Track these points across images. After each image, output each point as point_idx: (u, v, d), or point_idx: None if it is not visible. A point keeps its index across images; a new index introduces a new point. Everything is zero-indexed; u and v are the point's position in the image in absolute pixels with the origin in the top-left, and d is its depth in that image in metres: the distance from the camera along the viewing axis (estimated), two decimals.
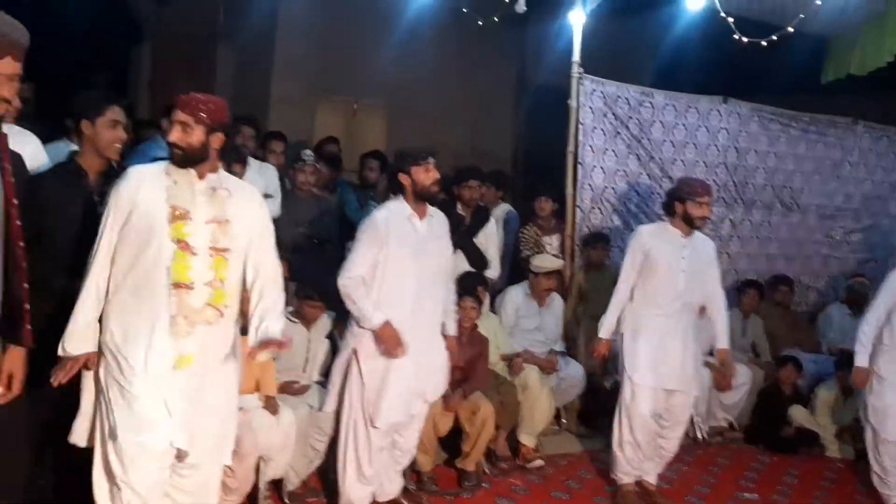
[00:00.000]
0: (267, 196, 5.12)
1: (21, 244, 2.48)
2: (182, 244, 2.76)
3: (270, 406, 3.92)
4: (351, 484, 3.89)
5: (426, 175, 3.80)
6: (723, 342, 4.55)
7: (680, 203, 4.41)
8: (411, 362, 3.82)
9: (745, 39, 5.27)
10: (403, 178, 3.81)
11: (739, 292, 6.41)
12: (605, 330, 4.57)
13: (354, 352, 3.85)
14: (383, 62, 8.00)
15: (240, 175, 4.39)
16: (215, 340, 2.86)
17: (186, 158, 2.80)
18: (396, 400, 3.81)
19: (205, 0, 8.48)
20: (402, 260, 3.78)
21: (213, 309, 2.81)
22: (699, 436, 5.68)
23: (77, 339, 2.76)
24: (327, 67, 8.27)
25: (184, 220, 2.77)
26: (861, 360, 4.63)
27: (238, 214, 2.88)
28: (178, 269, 2.75)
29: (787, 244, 7.13)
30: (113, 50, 9.54)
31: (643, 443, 4.45)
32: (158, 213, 2.76)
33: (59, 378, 2.73)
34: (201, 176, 2.84)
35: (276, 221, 5.34)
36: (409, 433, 4.02)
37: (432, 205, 3.95)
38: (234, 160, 4.47)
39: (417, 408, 3.96)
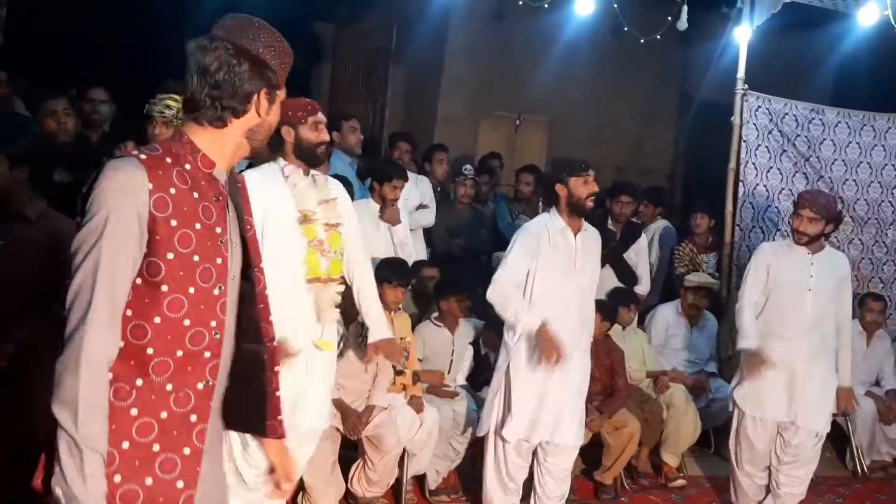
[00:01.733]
0: (422, 206, 5.46)
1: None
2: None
3: (415, 404, 4.14)
4: (494, 491, 3.94)
5: (584, 187, 3.73)
6: (843, 379, 4.21)
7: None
8: (567, 379, 3.78)
9: None
10: (560, 188, 3.77)
11: None
12: (748, 341, 4.17)
13: (507, 370, 3.82)
14: (545, 79, 8.13)
15: (399, 191, 4.72)
16: None
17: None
18: (544, 420, 3.80)
19: (380, 24, 8.96)
20: (552, 274, 3.74)
21: None
22: (859, 469, 5.38)
23: None
24: (491, 85, 8.51)
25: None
26: None
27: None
28: None
29: None
30: (296, 69, 10.31)
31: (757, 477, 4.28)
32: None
33: None
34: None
35: (432, 230, 5.69)
36: (557, 459, 3.92)
37: (586, 220, 3.90)
38: (396, 175, 4.79)
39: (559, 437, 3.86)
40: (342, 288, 3.37)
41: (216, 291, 1.68)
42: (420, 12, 7.96)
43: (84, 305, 1.53)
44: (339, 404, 3.85)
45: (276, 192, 3.21)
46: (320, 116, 3.33)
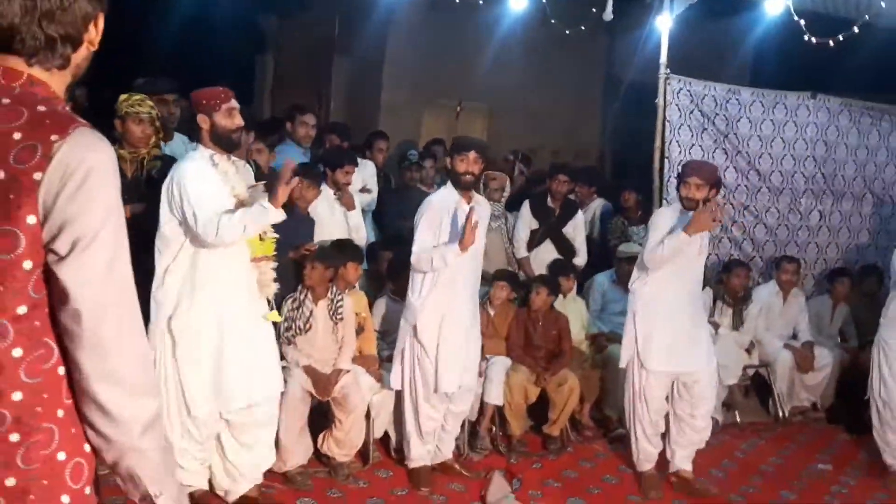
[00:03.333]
0: (365, 190, 5.81)
1: None
2: None
3: (373, 371, 4.55)
4: (415, 444, 4.43)
5: (461, 164, 4.23)
6: None
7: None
8: (462, 337, 4.31)
9: (814, 40, 5.51)
10: (450, 165, 4.35)
11: (830, 280, 6.61)
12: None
13: (413, 328, 4.31)
14: (484, 68, 8.54)
15: (350, 176, 5.09)
16: None
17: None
18: (451, 371, 4.30)
19: (322, 14, 9.24)
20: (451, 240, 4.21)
21: None
22: (780, 414, 5.95)
23: None
24: (433, 75, 8.89)
25: None
26: None
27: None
28: None
29: (879, 235, 7.23)
30: (238, 59, 10.50)
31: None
32: None
33: None
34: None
35: (380, 214, 6.04)
36: (460, 402, 4.50)
37: (468, 190, 4.31)
38: (346, 161, 5.16)
39: (467, 380, 4.43)
40: (275, 265, 3.76)
41: None
42: (362, 4, 8.27)
43: None
44: (309, 370, 4.22)
45: (211, 181, 3.51)
46: (234, 103, 3.55)
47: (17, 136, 1.29)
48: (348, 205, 5.12)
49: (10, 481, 1.30)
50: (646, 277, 4.52)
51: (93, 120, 1.42)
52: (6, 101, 1.33)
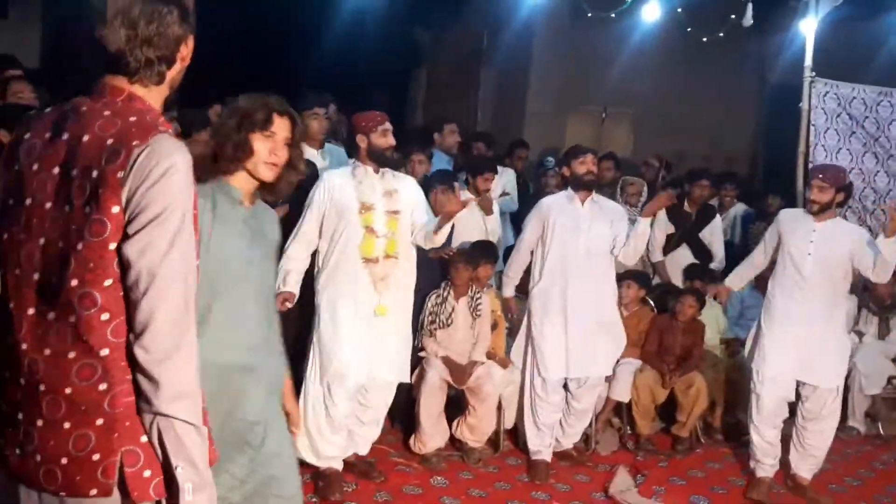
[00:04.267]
0: (505, 194, 6.11)
1: None
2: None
3: (502, 362, 4.86)
4: (532, 435, 4.70)
5: (581, 167, 4.57)
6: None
7: None
8: (578, 332, 4.58)
9: None
10: (565, 170, 4.69)
11: None
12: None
13: (528, 316, 4.73)
14: (627, 74, 8.67)
15: (489, 182, 5.45)
16: None
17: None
18: (553, 359, 4.61)
19: (471, 28, 9.67)
20: (563, 236, 4.57)
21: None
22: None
23: None
24: (577, 82, 9.09)
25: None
26: None
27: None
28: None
29: None
30: (395, 71, 11.12)
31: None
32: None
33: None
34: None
35: (518, 218, 6.32)
36: (583, 398, 4.75)
37: (589, 190, 4.64)
38: (486, 169, 5.50)
39: (591, 373, 4.70)
40: (399, 263, 4.10)
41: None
42: (507, 18, 8.61)
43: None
44: (447, 361, 4.60)
45: (342, 186, 4.03)
46: (387, 125, 4.04)
47: (109, 142, 1.58)
48: (486, 209, 5.45)
49: (99, 421, 1.57)
50: (773, 281, 4.54)
51: None
52: (107, 113, 1.63)
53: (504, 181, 6.12)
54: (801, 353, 4.37)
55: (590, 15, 5.86)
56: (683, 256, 6.18)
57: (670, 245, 6.19)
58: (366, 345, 4.01)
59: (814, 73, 6.26)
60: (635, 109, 9.42)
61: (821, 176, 4.39)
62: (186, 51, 1.74)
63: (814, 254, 4.36)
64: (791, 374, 4.44)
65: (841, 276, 4.40)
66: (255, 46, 9.38)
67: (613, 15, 5.99)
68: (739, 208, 7.10)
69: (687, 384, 5.14)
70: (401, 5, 9.35)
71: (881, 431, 5.71)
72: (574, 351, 4.58)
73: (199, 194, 1.69)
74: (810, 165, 6.29)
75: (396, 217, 4.07)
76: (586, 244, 4.55)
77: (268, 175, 2.44)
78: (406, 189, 4.18)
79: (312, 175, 4.23)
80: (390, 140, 4.05)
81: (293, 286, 3.99)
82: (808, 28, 6.23)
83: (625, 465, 4.68)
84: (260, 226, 2.48)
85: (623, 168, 7.02)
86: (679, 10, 5.93)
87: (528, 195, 6.55)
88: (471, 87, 9.88)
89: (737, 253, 6.66)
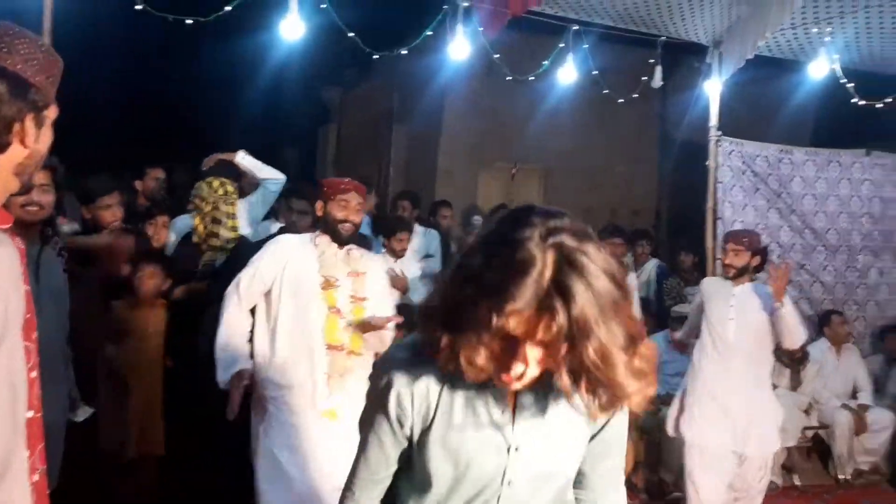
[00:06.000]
0: (429, 256, 6.03)
1: None
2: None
3: None
4: None
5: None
6: None
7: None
8: None
9: (861, 102, 5.59)
10: None
11: (882, 337, 6.54)
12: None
13: None
14: (538, 131, 8.82)
15: (405, 243, 5.29)
16: None
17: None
18: None
19: (382, 87, 9.67)
20: None
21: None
22: (840, 477, 5.87)
23: None
24: (488, 139, 9.19)
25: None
26: None
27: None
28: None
29: None
30: (304, 130, 11.04)
31: None
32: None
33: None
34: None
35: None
36: None
37: None
38: (400, 229, 5.38)
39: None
40: (364, 363, 3.35)
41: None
42: (418, 77, 8.65)
43: None
44: None
45: (302, 257, 3.40)
46: (350, 196, 3.39)
47: None
48: (401, 288, 5.27)
49: None
50: (697, 350, 4.50)
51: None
52: None
53: (427, 242, 6.03)
54: (736, 424, 4.26)
55: (509, 79, 5.89)
56: None
57: None
58: (325, 458, 3.25)
59: (720, 133, 6.47)
60: (545, 165, 9.57)
61: (734, 240, 4.36)
62: (25, 132, 1.40)
63: (735, 318, 4.30)
64: (726, 447, 4.30)
65: (764, 338, 4.32)
66: (163, 109, 9.16)
67: (532, 78, 6.04)
68: (653, 264, 7.22)
69: None
70: (310, 64, 9.28)
71: (796, 483, 5.80)
72: None
73: None
74: (718, 222, 6.51)
75: (363, 305, 3.43)
76: None
77: None
78: (374, 273, 3.56)
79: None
80: (350, 214, 3.40)
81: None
82: (712, 89, 6.45)
83: None
84: None
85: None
86: (595, 72, 6.02)
87: (452, 255, 6.50)
88: (382, 145, 9.86)
89: (653, 310, 6.77)
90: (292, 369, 3.33)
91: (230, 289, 3.41)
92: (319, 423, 3.31)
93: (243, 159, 4.87)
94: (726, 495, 4.33)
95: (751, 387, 4.29)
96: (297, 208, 4.69)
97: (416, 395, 1.50)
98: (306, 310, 3.34)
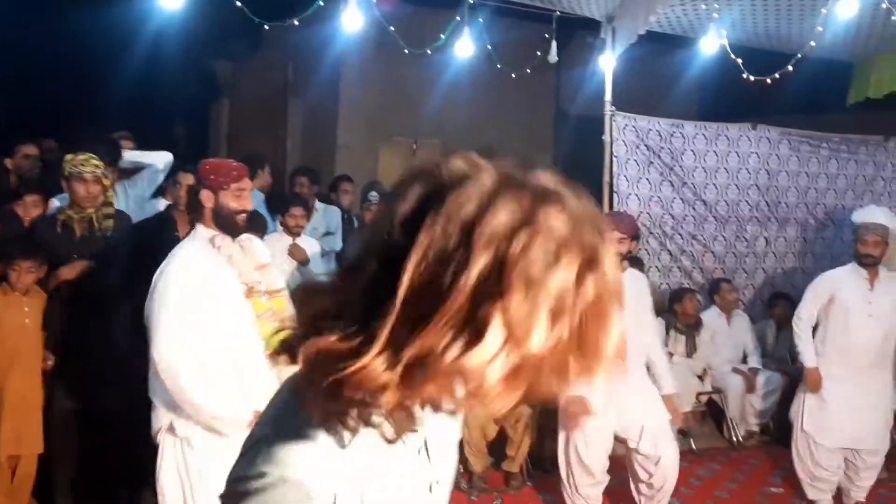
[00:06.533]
0: (329, 233, 5.90)
1: None
2: None
3: None
4: None
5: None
6: (663, 387, 4.32)
7: None
8: None
9: (751, 78, 5.75)
10: None
11: (770, 304, 6.82)
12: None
13: None
14: (440, 105, 8.73)
15: (300, 219, 5.13)
16: None
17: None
18: None
19: (275, 60, 9.37)
20: None
21: None
22: (734, 439, 6.11)
23: None
24: (387, 114, 9.05)
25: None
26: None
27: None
28: None
29: (823, 258, 7.46)
30: (194, 104, 10.60)
31: None
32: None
33: None
34: None
35: (342, 255, 6.13)
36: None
37: None
38: (294, 204, 5.23)
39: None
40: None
41: None
42: (313, 48, 8.40)
43: None
44: None
45: (213, 266, 3.02)
46: (245, 184, 3.10)
47: None
48: (300, 259, 5.14)
49: None
50: None
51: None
52: None
53: (327, 219, 5.89)
54: (622, 406, 4.11)
55: (406, 52, 5.77)
56: None
57: None
58: None
59: (613, 108, 6.55)
60: (445, 140, 9.51)
61: (618, 227, 4.08)
62: None
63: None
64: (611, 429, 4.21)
65: (643, 327, 4.21)
66: (43, 79, 8.57)
67: (429, 52, 5.94)
68: None
69: (515, 418, 5.12)
70: (195, 35, 8.87)
71: (693, 447, 5.99)
72: None
73: None
74: (614, 195, 6.61)
75: (281, 298, 3.12)
76: None
77: None
78: (271, 256, 3.32)
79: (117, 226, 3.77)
80: (246, 203, 3.09)
81: None
82: (606, 64, 6.52)
83: None
84: None
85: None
86: (489, 46, 5.98)
87: (354, 231, 6.36)
88: (277, 119, 9.57)
89: None
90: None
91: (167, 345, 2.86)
92: None
93: (123, 161, 4.65)
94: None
95: (637, 378, 4.17)
96: (186, 183, 4.46)
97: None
98: (238, 327, 2.97)
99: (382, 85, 8.77)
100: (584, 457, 4.20)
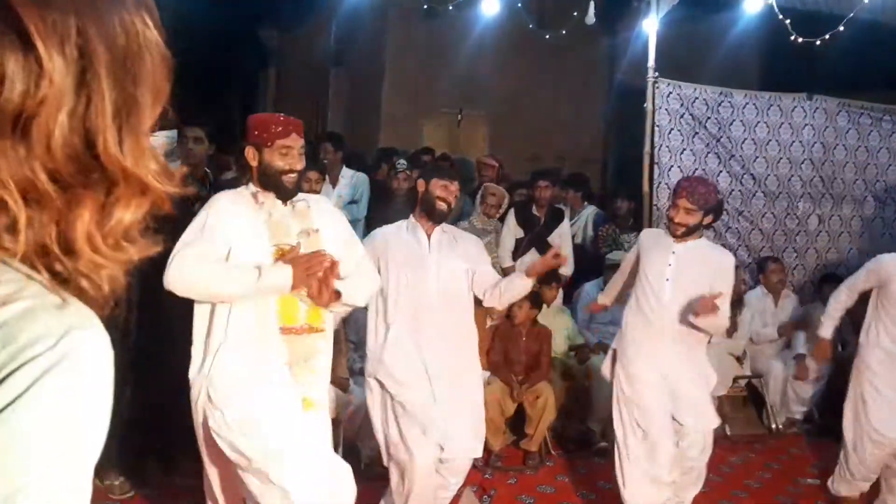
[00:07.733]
0: (353, 202, 5.79)
1: None
2: None
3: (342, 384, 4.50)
4: None
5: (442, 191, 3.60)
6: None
7: None
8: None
9: (799, 39, 5.37)
10: (420, 184, 3.68)
11: (820, 288, 6.42)
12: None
13: None
14: (483, 76, 8.52)
15: (315, 183, 5.02)
16: None
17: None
18: None
19: (321, 30, 9.28)
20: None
21: None
22: (773, 426, 5.79)
23: None
24: (432, 84, 8.88)
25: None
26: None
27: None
28: None
29: (881, 239, 7.02)
30: (243, 73, 10.63)
31: None
32: None
33: None
34: None
35: (368, 221, 6.03)
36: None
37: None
38: (308, 169, 5.12)
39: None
40: (324, 339, 2.90)
41: None
42: (356, 17, 8.29)
43: None
44: None
45: (246, 222, 2.83)
46: (291, 140, 2.82)
47: None
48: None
49: None
50: (627, 308, 4.02)
51: None
52: None
53: (353, 186, 5.79)
54: (671, 390, 3.83)
55: (426, 7, 5.60)
56: (534, 260, 6.01)
57: (520, 249, 6.02)
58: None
59: (657, 74, 6.24)
60: (489, 111, 9.30)
61: (688, 196, 3.68)
62: None
63: (672, 279, 3.78)
64: (665, 409, 3.85)
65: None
66: None
67: (451, 8, 5.75)
68: (590, 211, 7.03)
69: (535, 395, 4.95)
70: (244, 3, 8.87)
71: (727, 433, 5.70)
72: None
73: None
74: (655, 167, 6.32)
75: None
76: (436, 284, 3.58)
77: None
78: (330, 225, 2.98)
79: None
80: (293, 162, 2.82)
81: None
82: (650, 28, 6.21)
83: (471, 487, 4.42)
84: None
85: (458, 168, 6.79)
86: (519, 4, 5.74)
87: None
88: (322, 88, 9.51)
89: (588, 256, 6.60)
90: (244, 359, 2.77)
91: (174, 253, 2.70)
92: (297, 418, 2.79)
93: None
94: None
95: (682, 353, 3.83)
96: (192, 135, 4.38)
97: None
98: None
99: (430, 53, 8.62)
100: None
